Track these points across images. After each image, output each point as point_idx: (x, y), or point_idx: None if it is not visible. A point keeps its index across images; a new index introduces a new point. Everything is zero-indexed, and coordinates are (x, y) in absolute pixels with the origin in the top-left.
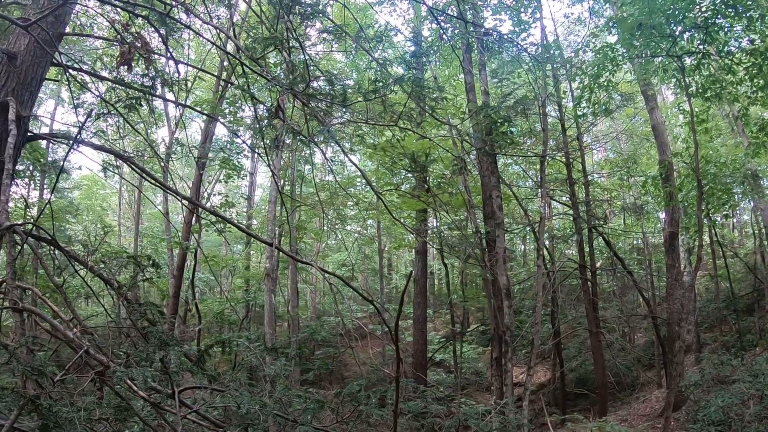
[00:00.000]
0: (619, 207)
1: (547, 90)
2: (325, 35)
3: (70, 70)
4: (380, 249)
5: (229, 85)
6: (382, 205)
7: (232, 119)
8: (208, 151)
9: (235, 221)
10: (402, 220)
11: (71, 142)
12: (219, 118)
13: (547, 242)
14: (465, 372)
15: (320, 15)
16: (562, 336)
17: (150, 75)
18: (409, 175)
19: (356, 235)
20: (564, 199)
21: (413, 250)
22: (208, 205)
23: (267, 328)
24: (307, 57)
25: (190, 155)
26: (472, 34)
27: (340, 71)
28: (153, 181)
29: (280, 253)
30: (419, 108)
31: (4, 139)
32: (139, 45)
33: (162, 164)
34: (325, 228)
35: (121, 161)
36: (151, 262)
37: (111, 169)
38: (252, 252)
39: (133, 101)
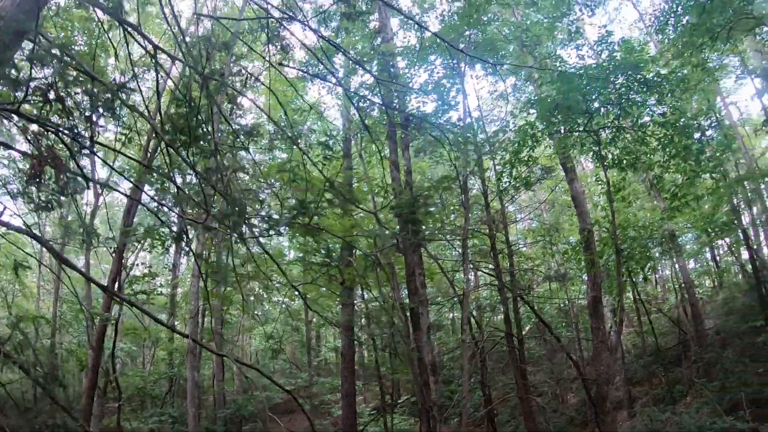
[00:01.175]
0: (543, 275)
1: (470, 166)
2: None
3: None
4: (307, 321)
5: (157, 154)
6: (309, 277)
7: (158, 188)
8: (132, 227)
9: (153, 314)
10: (325, 299)
11: None
12: (144, 190)
13: (474, 312)
14: None
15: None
16: (494, 403)
17: (61, 183)
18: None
19: (283, 306)
20: (489, 267)
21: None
22: (133, 272)
23: (189, 407)
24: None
25: (111, 232)
26: (396, 116)
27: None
28: (72, 269)
29: (205, 325)
30: (341, 198)
31: None
32: (48, 157)
33: (83, 245)
34: (251, 298)
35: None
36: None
37: (30, 256)
38: (177, 323)
39: (47, 204)
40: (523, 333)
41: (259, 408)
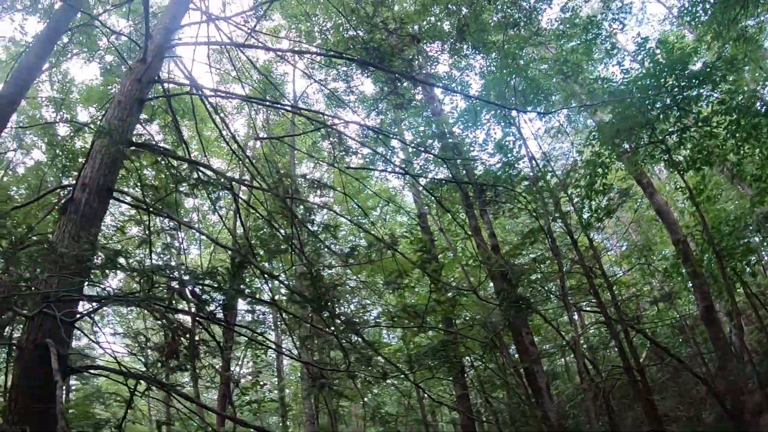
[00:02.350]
0: (648, 299)
1: (550, 212)
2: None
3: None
4: (420, 398)
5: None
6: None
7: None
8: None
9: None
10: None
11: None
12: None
13: (586, 353)
14: None
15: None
16: None
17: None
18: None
19: (392, 389)
20: (592, 303)
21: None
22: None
23: None
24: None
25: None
26: (469, 188)
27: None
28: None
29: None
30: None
31: (50, 385)
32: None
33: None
34: (359, 386)
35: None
36: None
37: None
38: (288, 423)
39: (181, 366)
40: (641, 362)
41: None
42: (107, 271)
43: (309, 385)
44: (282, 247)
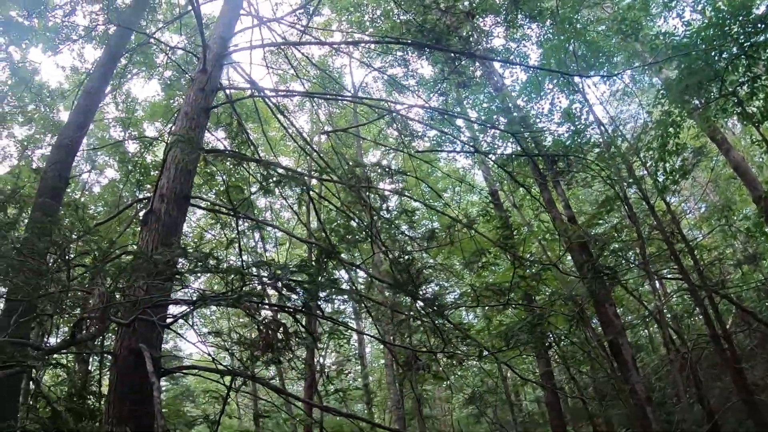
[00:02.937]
0: (732, 262)
1: (622, 175)
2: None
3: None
4: (504, 378)
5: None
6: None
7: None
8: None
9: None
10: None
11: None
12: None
13: (671, 323)
14: None
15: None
16: (717, 415)
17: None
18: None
19: (475, 370)
20: (673, 270)
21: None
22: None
23: None
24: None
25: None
26: (539, 160)
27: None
28: (284, 394)
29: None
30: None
31: (147, 389)
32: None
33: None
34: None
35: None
36: None
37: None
38: (374, 410)
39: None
40: (728, 329)
41: None
42: (198, 274)
43: (403, 369)
44: (359, 236)
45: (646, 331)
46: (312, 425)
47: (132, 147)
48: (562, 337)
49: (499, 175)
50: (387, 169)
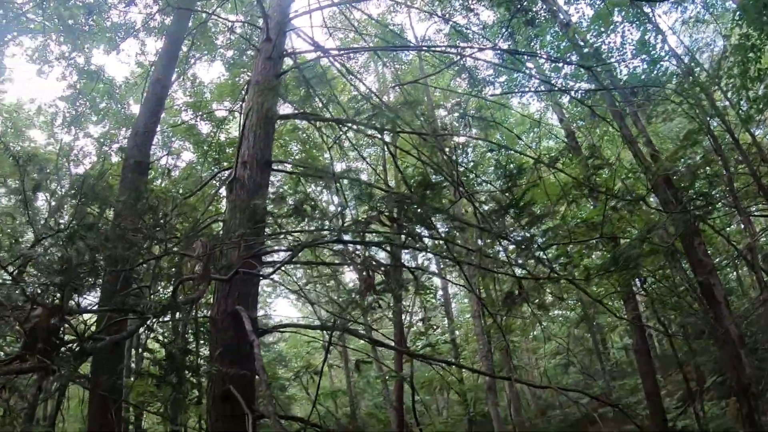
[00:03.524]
0: None
1: (703, 105)
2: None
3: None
4: (591, 328)
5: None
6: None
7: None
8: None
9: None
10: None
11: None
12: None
13: (762, 263)
14: None
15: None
16: None
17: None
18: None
19: (561, 320)
20: (763, 205)
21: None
22: (414, 328)
23: None
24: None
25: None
26: (615, 95)
27: None
28: (379, 345)
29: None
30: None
31: (245, 348)
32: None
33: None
34: (528, 321)
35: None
36: None
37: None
38: (461, 362)
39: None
40: None
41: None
42: (294, 217)
43: (505, 300)
44: (443, 184)
45: (734, 273)
46: (403, 380)
47: (205, 129)
48: (652, 278)
49: (575, 116)
50: (464, 115)
